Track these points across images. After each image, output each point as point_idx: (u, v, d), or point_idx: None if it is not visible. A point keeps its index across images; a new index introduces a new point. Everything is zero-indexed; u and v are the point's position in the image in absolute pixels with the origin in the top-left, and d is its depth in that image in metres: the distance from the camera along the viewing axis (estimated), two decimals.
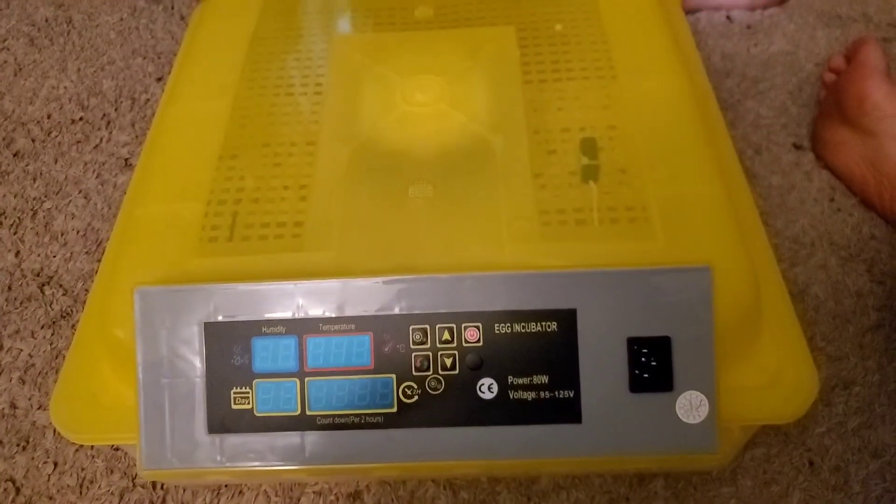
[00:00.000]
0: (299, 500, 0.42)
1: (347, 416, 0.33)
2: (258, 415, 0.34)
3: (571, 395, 0.33)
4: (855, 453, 0.42)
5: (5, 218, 0.58)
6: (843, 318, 0.48)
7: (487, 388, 0.33)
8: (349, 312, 0.34)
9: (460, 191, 0.39)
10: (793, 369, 0.35)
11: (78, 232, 0.57)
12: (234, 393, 0.34)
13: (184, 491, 0.43)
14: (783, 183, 0.56)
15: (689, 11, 0.66)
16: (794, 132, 0.60)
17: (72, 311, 0.52)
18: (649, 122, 0.42)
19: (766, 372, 0.35)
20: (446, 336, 0.33)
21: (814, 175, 0.56)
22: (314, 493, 0.42)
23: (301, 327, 0.34)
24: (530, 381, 0.33)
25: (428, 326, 0.33)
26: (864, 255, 0.51)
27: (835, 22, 0.69)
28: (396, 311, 0.33)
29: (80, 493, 0.43)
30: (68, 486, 0.44)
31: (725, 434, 0.34)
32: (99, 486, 0.43)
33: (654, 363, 0.33)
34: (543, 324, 0.33)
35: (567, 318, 0.33)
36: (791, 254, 0.52)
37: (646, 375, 0.33)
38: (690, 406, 0.33)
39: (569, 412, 0.33)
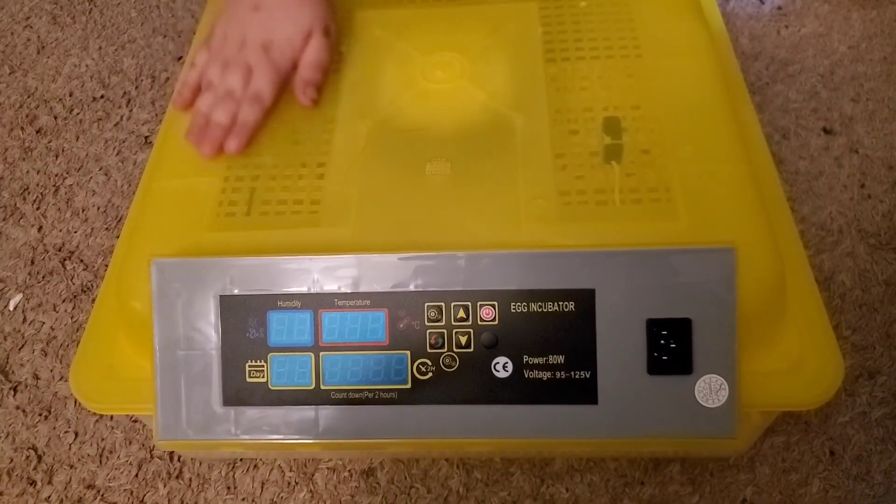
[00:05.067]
0: (313, 475, 0.42)
1: (361, 391, 0.33)
2: (273, 388, 0.34)
3: (588, 376, 0.32)
4: (878, 443, 0.41)
5: (28, 193, 0.59)
6: (870, 306, 0.47)
7: (502, 367, 0.33)
8: (364, 288, 0.33)
9: (479, 169, 0.38)
10: (817, 356, 0.34)
11: (98, 208, 0.57)
12: (249, 366, 0.34)
13: (200, 464, 0.43)
14: (811, 168, 0.55)
15: None
16: (824, 116, 0.58)
17: (92, 285, 0.53)
18: (674, 103, 0.41)
19: (789, 357, 0.34)
20: (461, 314, 0.33)
21: (844, 160, 0.55)
22: (328, 468, 0.43)
23: (316, 302, 0.33)
24: (546, 360, 0.33)
25: (443, 304, 0.33)
26: None
27: (870, 3, 0.66)
28: (412, 287, 0.33)
29: (100, 462, 0.44)
30: (88, 455, 0.44)
31: (745, 419, 0.33)
32: (118, 457, 0.44)
33: (673, 345, 0.32)
34: (561, 303, 0.33)
35: (585, 298, 0.33)
36: (817, 240, 0.50)
37: (665, 357, 0.32)
38: (710, 390, 0.32)
39: (585, 393, 0.32)
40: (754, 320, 0.33)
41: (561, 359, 0.33)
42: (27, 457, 0.45)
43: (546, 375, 0.33)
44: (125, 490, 0.43)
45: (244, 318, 0.34)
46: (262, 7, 0.38)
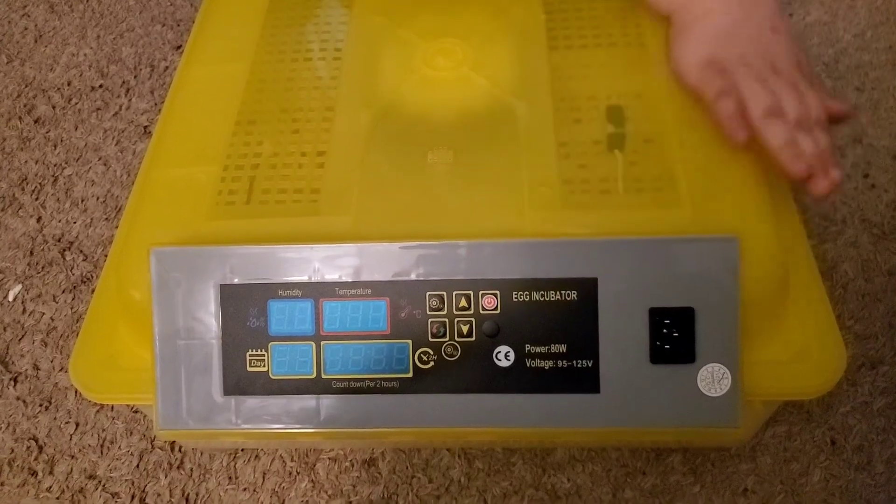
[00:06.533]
0: (315, 465, 0.42)
1: (363, 380, 0.33)
2: (273, 377, 0.33)
3: (590, 365, 0.32)
4: (880, 433, 0.41)
5: (27, 184, 0.59)
6: (872, 296, 0.47)
7: (504, 356, 0.33)
8: (366, 277, 0.33)
9: (481, 158, 0.38)
10: (819, 345, 0.34)
11: (98, 198, 0.57)
12: (250, 355, 0.34)
13: (201, 454, 0.43)
14: None
15: None
16: None
17: (92, 276, 0.53)
18: (678, 91, 0.40)
19: (791, 347, 0.34)
20: (463, 303, 0.33)
21: (848, 150, 0.54)
22: (329, 458, 0.43)
23: (317, 291, 0.33)
24: (548, 349, 0.32)
25: (445, 293, 0.33)
26: None
27: None
28: (413, 276, 0.33)
29: (101, 452, 0.44)
30: (89, 445, 0.44)
31: (747, 409, 0.33)
32: (119, 447, 0.44)
33: (676, 334, 0.32)
34: (563, 292, 0.32)
35: (588, 287, 0.32)
36: (820, 230, 0.50)
37: (667, 346, 0.32)
38: (712, 379, 0.32)
39: (587, 382, 0.32)
40: (757, 309, 0.33)
41: (563, 348, 0.32)
42: (28, 447, 0.45)
43: (548, 364, 0.32)
44: (126, 480, 0.43)
45: (244, 307, 0.34)
46: (782, 30, 0.39)
